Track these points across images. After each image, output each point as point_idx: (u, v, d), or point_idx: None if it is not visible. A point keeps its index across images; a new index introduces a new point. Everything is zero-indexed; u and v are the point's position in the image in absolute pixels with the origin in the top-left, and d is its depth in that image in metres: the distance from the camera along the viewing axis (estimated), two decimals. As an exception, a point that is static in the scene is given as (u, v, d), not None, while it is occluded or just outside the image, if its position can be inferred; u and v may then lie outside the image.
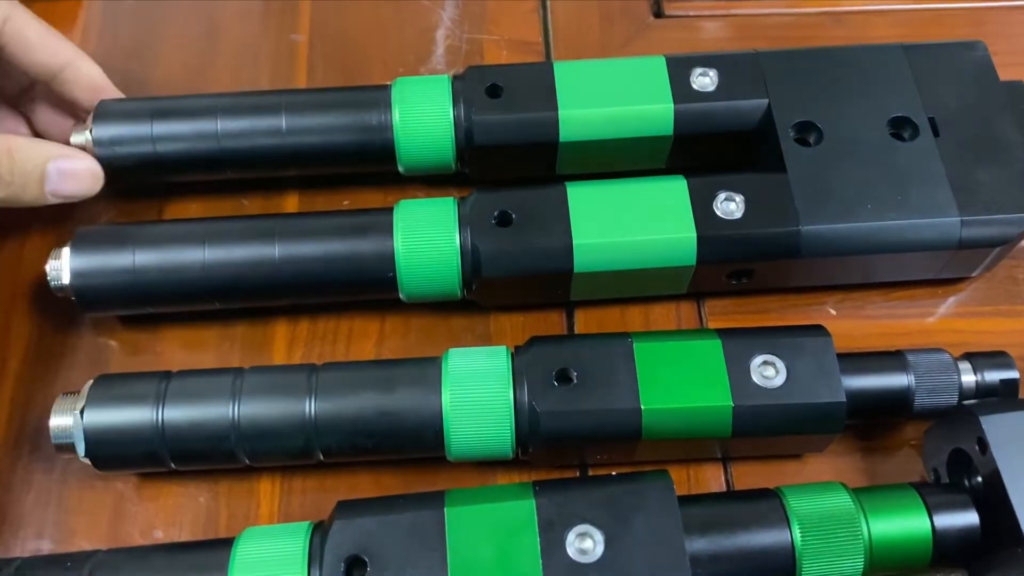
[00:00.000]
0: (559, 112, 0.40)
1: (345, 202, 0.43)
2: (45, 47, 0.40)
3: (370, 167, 0.42)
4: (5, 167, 0.36)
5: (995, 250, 0.39)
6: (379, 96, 0.40)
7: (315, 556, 0.31)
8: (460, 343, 0.39)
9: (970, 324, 0.40)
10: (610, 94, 0.40)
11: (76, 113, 0.42)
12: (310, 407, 0.34)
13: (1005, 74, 0.41)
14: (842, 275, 0.40)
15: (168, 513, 0.36)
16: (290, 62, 0.47)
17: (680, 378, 0.34)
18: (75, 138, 0.40)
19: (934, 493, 0.33)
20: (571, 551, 0.31)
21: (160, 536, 0.36)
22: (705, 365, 0.34)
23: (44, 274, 0.39)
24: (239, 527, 0.35)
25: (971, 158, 0.39)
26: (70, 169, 0.38)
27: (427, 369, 0.35)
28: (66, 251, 0.37)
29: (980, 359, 0.36)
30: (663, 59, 0.41)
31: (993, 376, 0.35)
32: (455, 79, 0.41)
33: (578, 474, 0.37)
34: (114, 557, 0.32)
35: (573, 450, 0.36)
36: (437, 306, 0.40)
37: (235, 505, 0.36)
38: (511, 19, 0.48)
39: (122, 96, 0.41)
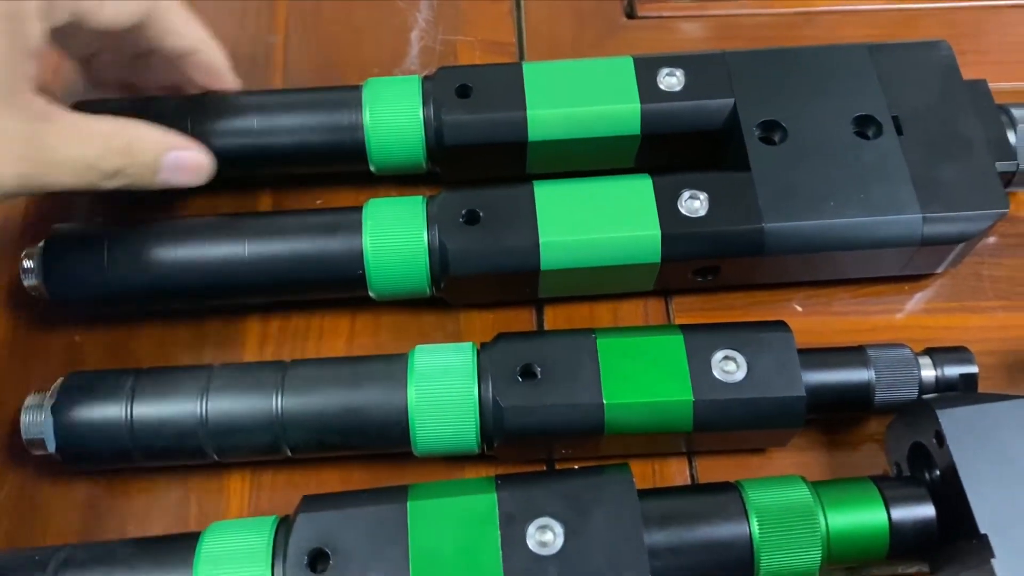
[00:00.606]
0: (527, 112, 0.40)
1: (318, 201, 0.43)
2: (181, 34, 0.39)
3: (342, 167, 0.42)
4: (127, 161, 0.35)
5: (958, 247, 0.39)
6: (350, 97, 0.41)
7: (279, 550, 0.31)
8: (430, 340, 0.39)
9: (936, 320, 0.41)
10: (578, 94, 0.41)
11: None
12: (278, 403, 0.34)
13: (974, 73, 0.42)
14: (807, 272, 0.40)
15: (140, 509, 0.37)
16: (266, 63, 0.47)
17: (642, 373, 0.35)
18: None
19: (892, 486, 0.34)
20: (531, 543, 0.31)
21: (132, 532, 0.36)
22: (667, 360, 0.35)
23: (16, 273, 0.39)
24: (209, 523, 0.35)
25: (934, 156, 0.39)
26: (188, 162, 0.38)
27: (393, 365, 0.35)
28: (39, 250, 0.37)
29: (940, 354, 0.36)
30: (631, 59, 0.41)
31: (953, 371, 0.36)
32: (425, 79, 0.41)
33: (544, 468, 0.37)
34: (81, 551, 0.32)
35: (538, 445, 0.36)
36: (407, 304, 0.41)
37: (205, 501, 0.37)
38: (485, 20, 0.49)
39: (240, 83, 0.42)
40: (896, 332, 0.40)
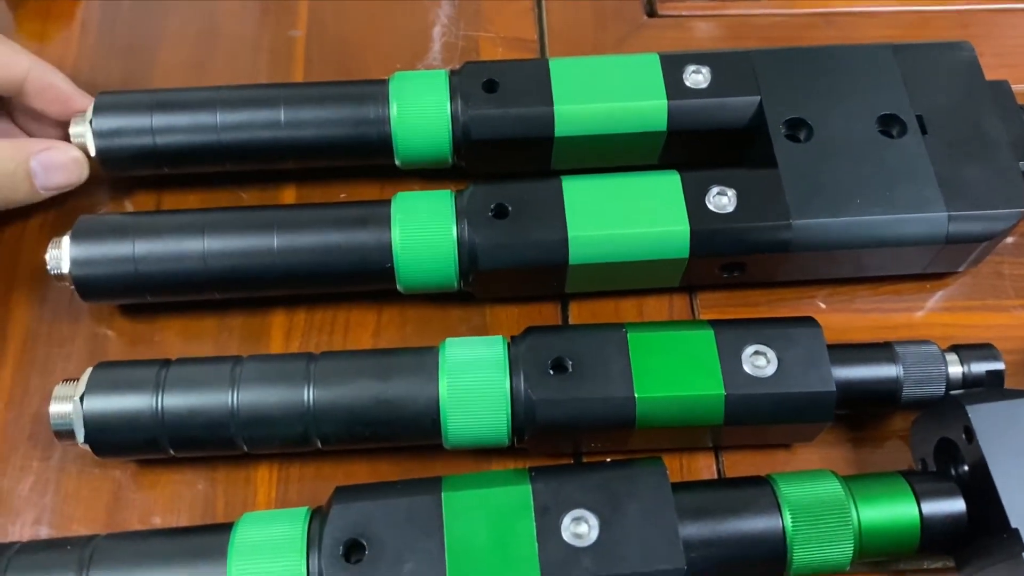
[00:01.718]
0: (555, 107, 0.40)
1: (342, 195, 0.43)
2: (0, 62, 0.39)
3: (367, 160, 0.42)
4: None
5: (981, 245, 0.40)
6: (377, 90, 0.41)
7: (313, 540, 0.31)
8: (456, 334, 0.39)
9: (957, 318, 0.41)
10: (605, 90, 0.41)
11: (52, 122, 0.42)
12: (309, 395, 0.34)
13: (989, 74, 0.42)
14: (831, 269, 0.41)
15: (166, 500, 0.36)
16: (288, 58, 0.47)
17: (673, 367, 0.35)
18: (74, 129, 0.40)
19: (922, 481, 0.34)
20: (566, 535, 0.31)
21: (158, 523, 0.36)
22: (698, 354, 0.35)
23: (42, 263, 0.39)
24: (236, 514, 0.35)
25: (958, 155, 0.39)
26: (53, 161, 0.39)
27: (424, 358, 0.35)
28: (66, 240, 0.37)
29: (967, 351, 0.37)
30: (657, 56, 0.42)
31: (980, 367, 0.36)
32: (452, 74, 0.41)
33: (572, 462, 0.37)
34: (114, 541, 0.32)
35: (568, 438, 0.36)
36: (433, 298, 0.41)
37: (232, 492, 0.37)
38: (507, 17, 0.49)
39: (89, 103, 0.41)
40: (918, 330, 0.41)
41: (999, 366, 0.36)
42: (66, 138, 0.41)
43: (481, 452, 0.38)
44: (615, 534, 0.31)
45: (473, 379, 0.35)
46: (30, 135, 0.42)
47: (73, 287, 0.37)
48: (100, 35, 0.47)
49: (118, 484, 0.37)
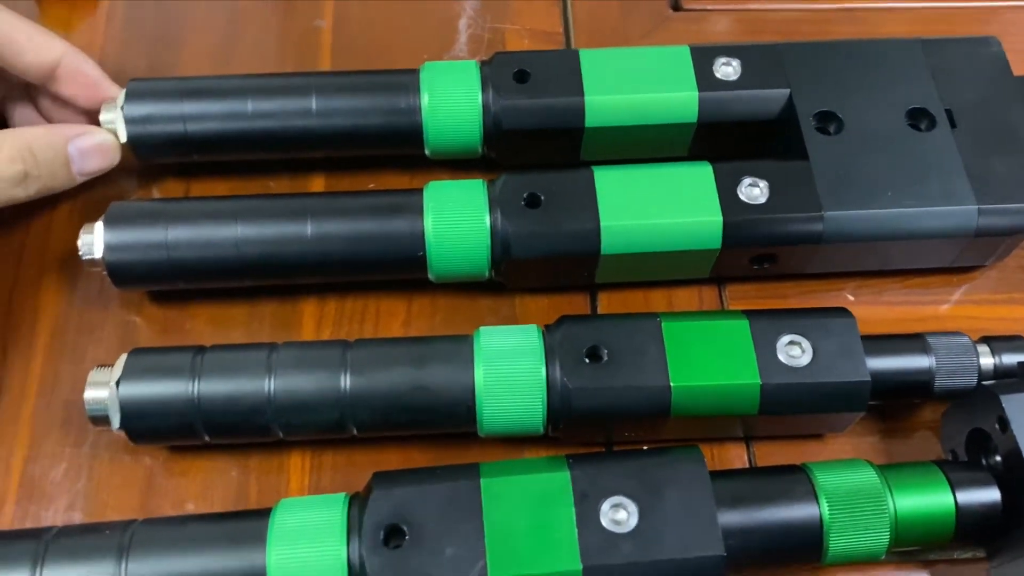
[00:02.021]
0: (585, 98, 0.40)
1: (370, 184, 0.43)
2: (35, 46, 0.39)
3: (397, 150, 0.42)
4: (31, 163, 0.37)
5: (1009, 239, 0.40)
6: (408, 80, 0.41)
7: (353, 525, 0.31)
8: (485, 323, 0.39)
9: (984, 311, 0.41)
10: (635, 81, 0.41)
11: (77, 108, 0.42)
12: (345, 381, 0.34)
13: (1016, 70, 0.42)
14: (861, 261, 0.41)
15: (199, 487, 0.36)
16: (314, 48, 0.47)
17: (708, 356, 0.35)
18: (104, 115, 0.40)
19: (956, 470, 0.34)
20: (605, 521, 0.31)
21: (191, 509, 0.36)
22: (732, 344, 0.35)
23: (72, 251, 0.39)
24: (269, 501, 0.35)
25: (987, 149, 0.40)
26: (90, 146, 0.39)
27: (460, 346, 0.35)
28: (99, 225, 0.37)
29: (998, 342, 0.37)
30: (687, 48, 0.42)
31: (1011, 359, 0.36)
32: (483, 64, 0.41)
33: (604, 451, 0.38)
34: (152, 526, 0.32)
35: (601, 427, 0.36)
36: (463, 287, 0.41)
37: (265, 480, 0.37)
38: (532, 10, 0.49)
39: (120, 90, 0.41)
40: (945, 322, 0.41)
41: (1030, 357, 0.36)
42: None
43: (512, 441, 0.38)
44: (654, 521, 0.31)
45: (509, 367, 0.35)
46: (51, 121, 0.42)
47: (105, 273, 0.37)
48: (126, 23, 0.47)
49: (150, 471, 0.37)
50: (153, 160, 0.42)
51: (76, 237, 0.37)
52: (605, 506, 0.32)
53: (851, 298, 0.41)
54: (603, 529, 0.31)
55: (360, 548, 0.31)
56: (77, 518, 0.35)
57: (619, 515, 0.32)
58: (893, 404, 0.38)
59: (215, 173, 0.43)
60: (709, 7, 0.50)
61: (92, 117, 0.42)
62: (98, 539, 0.31)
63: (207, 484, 0.36)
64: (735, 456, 0.38)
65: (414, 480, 0.32)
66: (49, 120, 0.42)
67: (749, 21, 0.49)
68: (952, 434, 0.37)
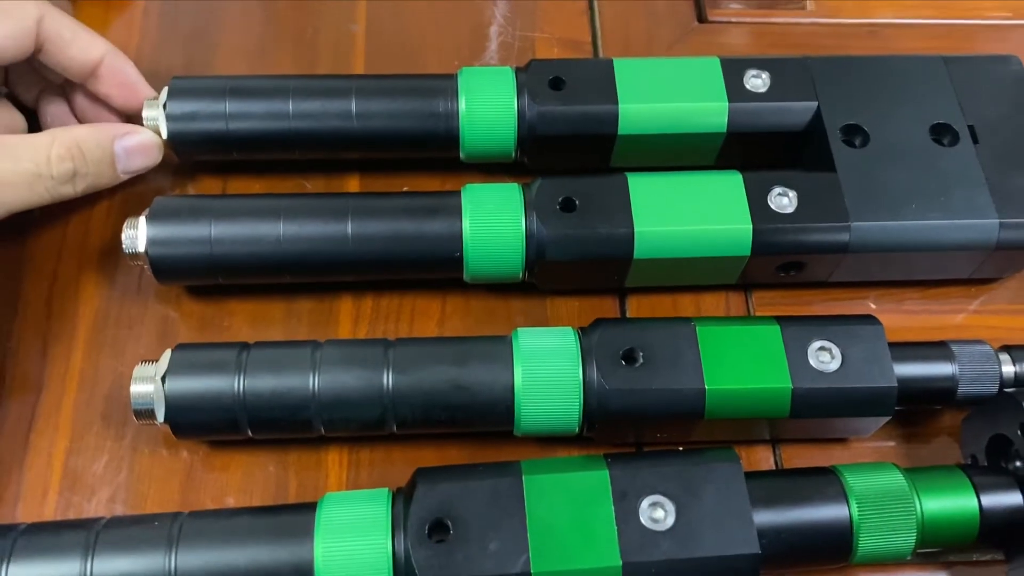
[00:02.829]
0: (619, 106, 0.41)
1: (404, 187, 0.44)
2: (80, 44, 0.40)
3: (432, 153, 0.43)
4: (80, 161, 0.37)
5: (1026, 252, 0.41)
6: (445, 85, 0.42)
7: (398, 520, 0.32)
8: (517, 325, 0.40)
9: (1002, 321, 0.42)
10: (668, 91, 0.42)
11: (111, 107, 0.42)
12: (387, 379, 0.35)
13: (1030, 88, 0.44)
14: (884, 272, 0.42)
15: (239, 481, 0.37)
16: (348, 51, 0.48)
17: (741, 361, 0.36)
18: (147, 112, 0.41)
19: (980, 474, 0.35)
20: (644, 519, 0.32)
21: (231, 503, 0.36)
22: (765, 349, 0.36)
23: (111, 246, 0.39)
24: (309, 496, 0.36)
25: (1008, 165, 0.41)
26: (136, 145, 0.40)
27: (498, 346, 0.36)
28: (142, 220, 0.38)
29: (1018, 351, 0.38)
30: (717, 60, 0.43)
31: (1031, 367, 0.38)
32: (519, 71, 0.42)
33: (634, 451, 0.38)
34: (200, 519, 0.33)
35: (634, 428, 0.37)
36: (496, 288, 0.42)
37: (304, 475, 0.37)
38: (561, 18, 0.50)
39: (154, 93, 0.42)
40: (963, 331, 0.42)
41: (1050, 366, 0.38)
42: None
43: (546, 440, 0.38)
44: (691, 519, 0.32)
45: (547, 367, 0.35)
46: (85, 119, 0.43)
47: (148, 267, 0.38)
48: (161, 22, 0.48)
49: (189, 465, 0.37)
50: (193, 157, 0.43)
51: (115, 233, 0.38)
52: (644, 504, 0.33)
53: (873, 306, 0.43)
54: (642, 527, 0.32)
55: (405, 542, 0.32)
56: (119, 510, 0.36)
57: (657, 513, 0.32)
58: (917, 409, 0.39)
59: (251, 171, 0.44)
60: (734, 20, 0.51)
61: (126, 117, 0.42)
62: (147, 530, 0.32)
63: (246, 479, 0.37)
64: (762, 458, 0.39)
65: (457, 476, 0.33)
66: (81, 118, 0.43)
67: (771, 34, 0.51)
68: (973, 439, 0.38)
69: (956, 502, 0.34)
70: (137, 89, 0.42)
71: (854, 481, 0.34)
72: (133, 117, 0.42)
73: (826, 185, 0.40)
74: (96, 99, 0.42)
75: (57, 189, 0.37)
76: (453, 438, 0.38)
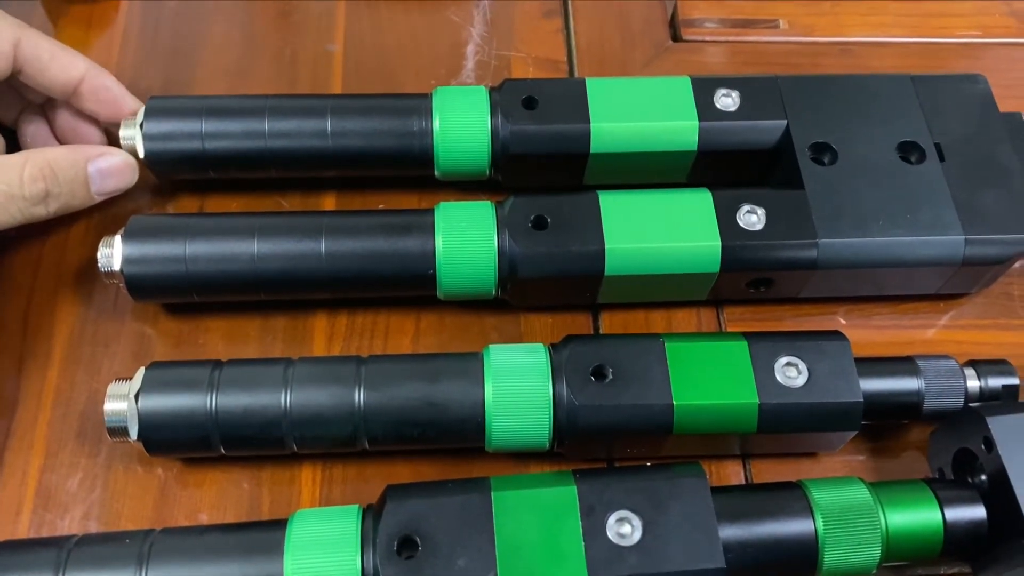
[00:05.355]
0: (591, 125, 0.42)
1: (380, 204, 0.45)
2: (59, 64, 0.40)
3: (407, 171, 0.43)
4: (52, 182, 0.38)
5: (993, 268, 0.42)
6: (420, 104, 0.42)
7: (367, 537, 0.32)
8: (492, 341, 0.41)
9: (969, 336, 0.43)
10: (639, 110, 0.42)
11: (96, 124, 0.43)
12: (359, 396, 0.35)
13: (999, 106, 0.44)
14: (853, 287, 0.42)
15: (212, 498, 0.37)
16: (326, 71, 0.48)
17: (709, 376, 0.36)
18: (124, 131, 0.41)
19: (944, 488, 0.36)
20: (611, 534, 0.33)
21: (205, 519, 0.37)
22: (732, 365, 0.37)
23: (87, 264, 0.40)
24: (282, 513, 0.36)
25: (974, 182, 0.41)
26: (109, 167, 0.40)
27: (469, 363, 0.37)
28: (117, 239, 0.38)
29: (984, 366, 0.38)
30: (688, 79, 0.43)
31: (996, 382, 0.38)
32: (492, 90, 0.43)
33: (606, 467, 0.39)
34: (171, 536, 0.33)
35: (605, 443, 0.38)
36: (470, 305, 0.42)
37: (277, 492, 0.38)
38: (537, 38, 0.50)
39: (141, 106, 0.42)
40: (932, 346, 0.43)
41: (1014, 381, 0.38)
42: (105, 142, 0.42)
43: (519, 456, 0.39)
44: (658, 534, 0.33)
45: (517, 384, 0.36)
46: (65, 138, 0.43)
47: (123, 285, 0.38)
48: (141, 42, 0.48)
49: (163, 482, 0.37)
50: (170, 176, 0.43)
51: (91, 251, 0.38)
52: (611, 520, 0.33)
53: (843, 321, 0.43)
54: (609, 542, 0.32)
55: (374, 558, 0.32)
56: (92, 527, 0.36)
57: (624, 528, 0.33)
58: (884, 424, 0.40)
59: (228, 190, 0.44)
60: (708, 39, 0.51)
61: (112, 133, 0.43)
62: (118, 547, 0.32)
63: (220, 495, 0.37)
64: (732, 473, 0.39)
65: (427, 493, 0.33)
66: (62, 137, 0.43)
67: (745, 52, 0.51)
68: (940, 453, 0.38)
69: (920, 516, 0.35)
70: (122, 103, 0.42)
71: (820, 496, 0.35)
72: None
73: (794, 202, 0.41)
74: (81, 116, 0.42)
75: (29, 210, 0.37)
76: (427, 454, 0.39)
